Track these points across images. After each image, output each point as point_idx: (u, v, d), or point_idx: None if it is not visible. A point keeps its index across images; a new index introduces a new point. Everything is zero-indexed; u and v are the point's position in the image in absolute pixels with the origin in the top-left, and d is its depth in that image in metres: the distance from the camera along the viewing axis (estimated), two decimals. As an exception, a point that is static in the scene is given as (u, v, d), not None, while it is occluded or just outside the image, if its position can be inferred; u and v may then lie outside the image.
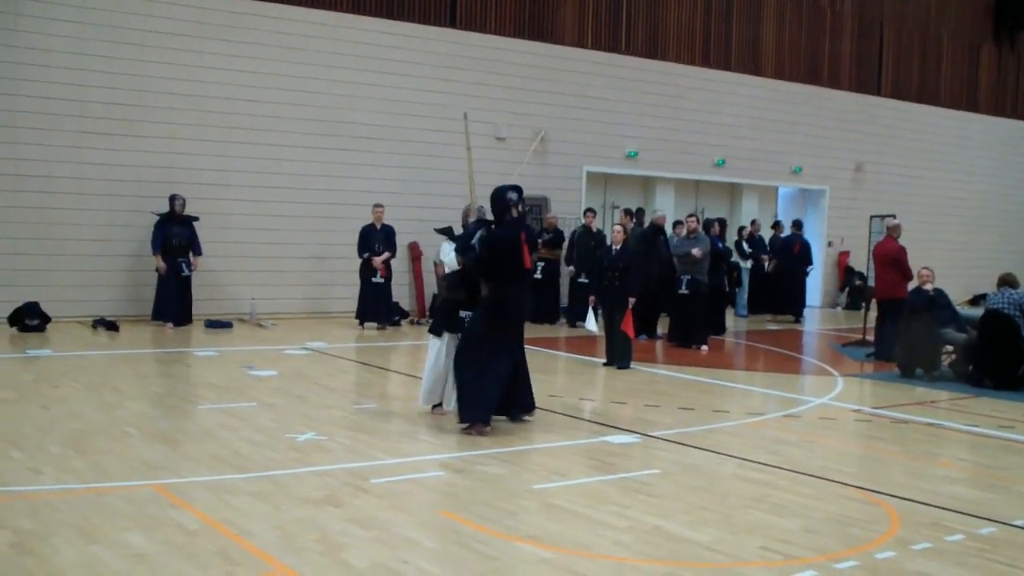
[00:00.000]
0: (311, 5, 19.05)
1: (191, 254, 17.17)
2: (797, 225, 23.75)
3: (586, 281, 19.34)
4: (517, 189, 9.81)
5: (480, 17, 21.07)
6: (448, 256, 9.87)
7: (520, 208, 9.79)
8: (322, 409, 10.40)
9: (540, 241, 19.33)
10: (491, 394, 9.41)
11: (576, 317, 19.46)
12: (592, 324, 14.60)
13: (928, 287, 14.37)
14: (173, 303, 16.88)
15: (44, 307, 15.78)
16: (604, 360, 14.41)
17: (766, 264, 23.14)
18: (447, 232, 10.23)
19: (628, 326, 13.95)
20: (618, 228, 14.71)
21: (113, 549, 5.82)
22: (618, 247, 14.32)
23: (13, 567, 5.50)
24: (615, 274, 14.07)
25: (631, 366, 14.05)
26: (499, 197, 9.74)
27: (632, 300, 14.03)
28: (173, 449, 8.36)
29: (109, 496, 6.92)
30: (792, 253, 23.07)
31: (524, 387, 9.98)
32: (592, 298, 14.60)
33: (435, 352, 10.00)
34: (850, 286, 26.63)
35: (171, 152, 17.71)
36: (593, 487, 7.59)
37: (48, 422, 9.25)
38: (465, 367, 9.45)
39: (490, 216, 10.04)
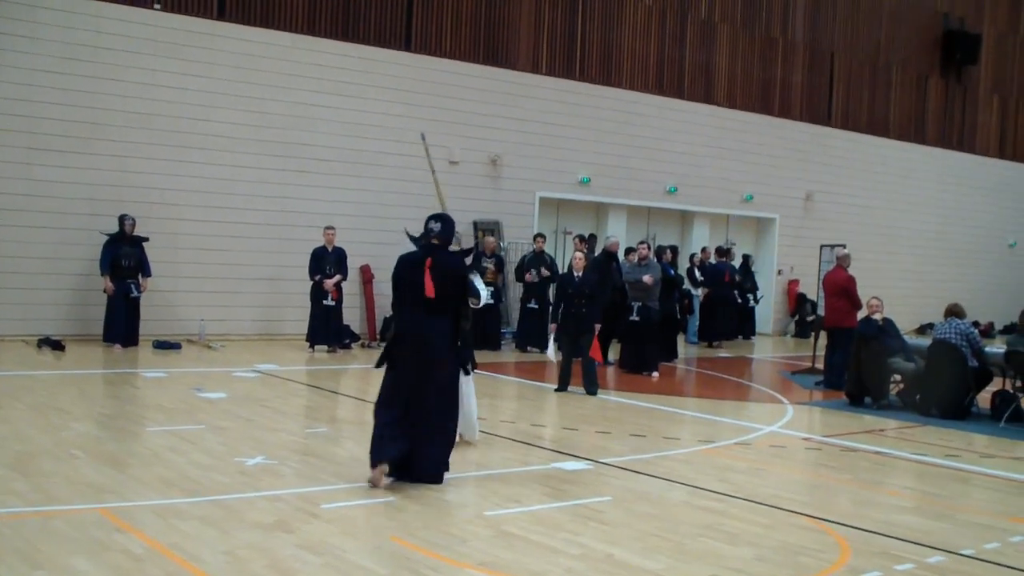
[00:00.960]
0: (267, 25, 18.97)
1: (140, 275, 16.98)
2: (720, 252, 23.94)
3: (535, 306, 19.39)
4: (442, 219, 8.76)
5: (436, 41, 21.09)
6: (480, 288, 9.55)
7: (441, 238, 8.69)
8: (272, 432, 10.30)
9: (487, 268, 19.30)
10: (377, 437, 8.28)
11: (527, 341, 19.47)
12: (552, 352, 14.54)
13: (877, 316, 14.51)
14: (121, 325, 16.68)
15: (-11, 326, 15.55)
16: (556, 386, 14.37)
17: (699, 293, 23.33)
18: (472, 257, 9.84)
19: (596, 352, 14.03)
20: (579, 255, 14.73)
21: (57, 574, 5.72)
22: (579, 274, 14.32)
23: (-46, 592, 5.39)
24: (580, 300, 14.05)
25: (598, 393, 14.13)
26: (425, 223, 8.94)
27: (598, 326, 14.08)
28: (120, 472, 8.24)
29: (54, 520, 6.80)
30: (722, 280, 23.20)
31: (425, 447, 8.31)
32: (553, 325, 14.50)
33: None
34: (800, 315, 26.84)
35: (123, 171, 17.54)
36: (546, 514, 7.56)
37: (-7, 443, 9.09)
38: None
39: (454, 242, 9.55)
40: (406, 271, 8.54)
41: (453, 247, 9.02)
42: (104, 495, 7.47)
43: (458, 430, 8.92)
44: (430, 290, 8.35)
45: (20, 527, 6.59)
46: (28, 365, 14.28)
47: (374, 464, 8.09)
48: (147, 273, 17.05)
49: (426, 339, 8.38)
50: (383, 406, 8.34)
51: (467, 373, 9.12)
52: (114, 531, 6.59)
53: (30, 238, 16.77)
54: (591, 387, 14.04)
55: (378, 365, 8.47)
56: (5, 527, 6.57)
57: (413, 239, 8.78)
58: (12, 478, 7.83)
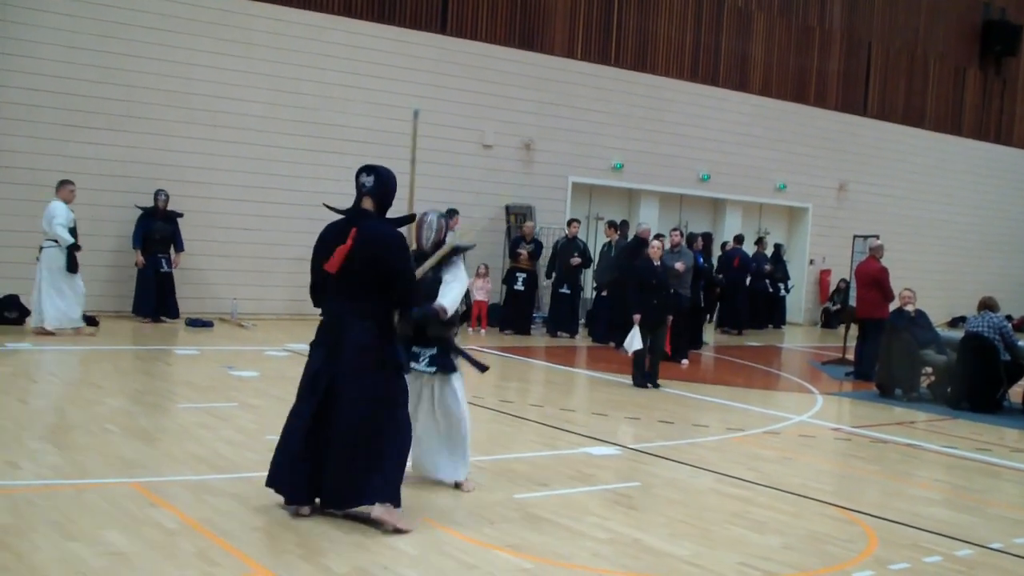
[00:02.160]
0: (303, 6, 19.02)
1: (172, 250, 17.14)
2: (737, 240, 23.81)
3: (567, 291, 19.38)
4: (376, 172, 7.17)
5: (471, 23, 21.09)
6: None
7: (375, 199, 7.10)
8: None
9: (520, 252, 19.31)
10: (277, 459, 6.82)
11: (557, 326, 19.48)
12: (638, 343, 13.59)
13: (909, 308, 14.45)
14: (152, 299, 16.87)
15: (23, 300, 15.67)
16: (632, 381, 13.78)
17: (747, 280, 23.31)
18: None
19: (667, 344, 14.00)
20: (657, 244, 14.33)
21: (92, 547, 5.79)
22: (658, 264, 13.97)
23: (-9, 562, 5.47)
24: (661, 291, 13.75)
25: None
26: (356, 177, 7.20)
27: (671, 318, 13.98)
28: (152, 447, 8.32)
29: (88, 493, 6.88)
30: (732, 267, 23.08)
31: (347, 464, 6.55)
32: (637, 316, 13.55)
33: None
34: (826, 307, 26.76)
35: (158, 148, 17.65)
36: (574, 498, 7.59)
37: (26, 416, 9.19)
38: None
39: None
40: (327, 244, 6.85)
41: (427, 235, 7.70)
42: (137, 470, 7.55)
43: (408, 460, 6.94)
44: (334, 264, 6.67)
45: (55, 499, 6.68)
46: (63, 340, 14.40)
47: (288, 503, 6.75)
48: (180, 248, 17.18)
49: (341, 334, 6.70)
50: (293, 414, 6.79)
51: (401, 373, 6.88)
52: (147, 505, 6.66)
53: (66, 214, 16.89)
54: (654, 378, 13.69)
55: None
56: (40, 499, 6.66)
57: (336, 210, 7.13)
58: (47, 451, 7.93)
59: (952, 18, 30.27)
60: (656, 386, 13.63)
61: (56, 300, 14.87)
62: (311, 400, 6.64)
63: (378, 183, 6.98)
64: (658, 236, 19.44)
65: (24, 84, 16.49)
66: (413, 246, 7.59)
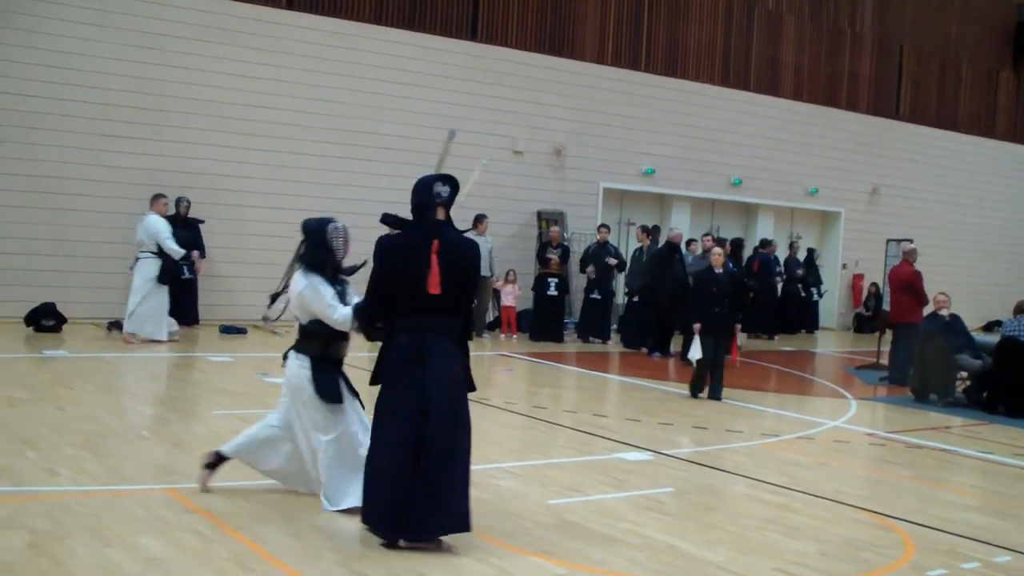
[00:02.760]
0: (334, 14, 19.11)
1: (195, 256, 17.21)
2: (763, 244, 23.63)
3: (598, 297, 19.35)
4: (450, 181, 6.60)
5: (501, 30, 21.13)
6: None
7: (448, 210, 6.61)
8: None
9: (550, 257, 19.29)
10: (371, 493, 6.33)
11: (589, 332, 19.45)
12: (697, 352, 13.32)
13: (944, 312, 14.35)
14: (172, 305, 16.94)
15: (60, 308, 15.81)
16: (689, 392, 13.34)
17: (778, 285, 23.20)
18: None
19: (734, 354, 13.44)
20: (719, 252, 13.63)
21: (128, 552, 5.83)
22: (719, 271, 13.34)
23: (30, 567, 5.51)
24: (725, 300, 13.16)
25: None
26: (422, 188, 6.60)
27: (738, 327, 13.63)
28: (187, 453, 8.35)
29: (124, 499, 6.92)
30: (751, 271, 22.92)
31: (437, 491, 6.21)
32: (697, 325, 13.09)
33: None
34: (859, 312, 26.60)
35: (186, 156, 17.77)
36: (608, 504, 7.58)
37: (63, 423, 9.26)
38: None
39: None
40: (407, 259, 6.38)
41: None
42: (171, 476, 7.59)
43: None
44: (435, 285, 6.28)
45: (91, 505, 6.73)
46: (98, 347, 14.52)
47: (391, 541, 6.28)
48: (202, 254, 17.26)
49: (427, 355, 6.33)
50: (385, 445, 6.32)
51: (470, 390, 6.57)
52: (182, 511, 6.69)
53: (99, 223, 17.04)
54: (717, 391, 13.12)
55: (373, 382, 6.57)
56: (77, 505, 6.71)
57: (398, 221, 6.65)
58: (83, 457, 7.99)
59: (984, 20, 30.07)
60: (716, 399, 13.03)
61: (149, 310, 15.23)
62: (406, 427, 6.24)
63: (454, 194, 6.58)
64: (690, 241, 19.46)
65: (54, 94, 16.65)
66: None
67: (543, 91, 21.54)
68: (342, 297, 7.08)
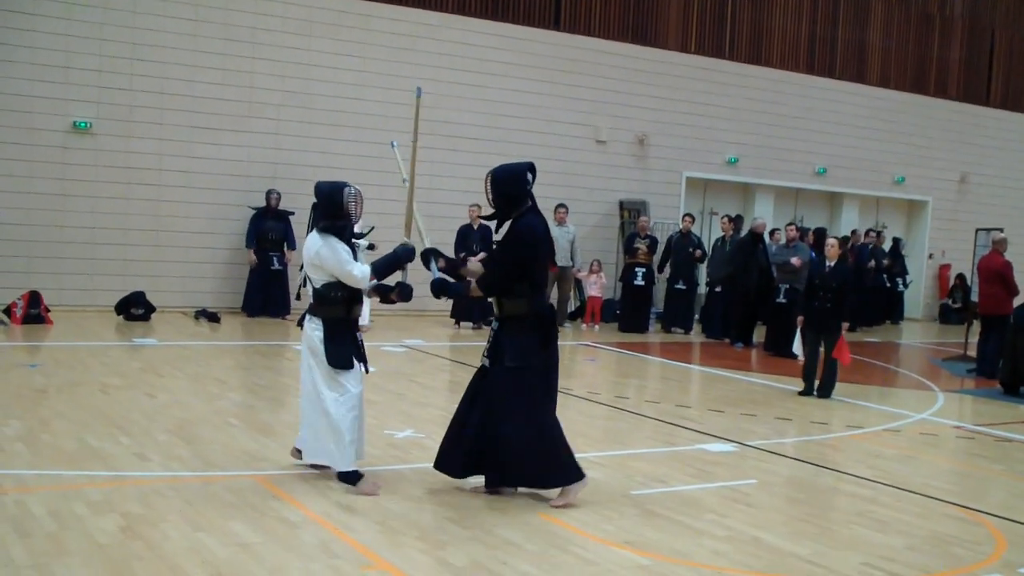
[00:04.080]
0: (419, 5, 19.22)
1: (285, 248, 17.45)
2: (844, 241, 23.10)
3: (683, 287, 19.26)
4: (535, 170, 7.42)
5: (584, 19, 21.08)
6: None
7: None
8: (420, 407, 10.50)
9: (637, 247, 19.21)
10: (566, 458, 7.19)
11: (672, 322, 19.38)
12: (797, 347, 13.30)
13: (1037, 303, 14.06)
14: (259, 296, 17.24)
15: (149, 297, 16.13)
16: (800, 389, 12.89)
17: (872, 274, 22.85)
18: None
19: (842, 353, 12.45)
20: (832, 243, 12.93)
21: (218, 537, 5.95)
22: (832, 263, 12.69)
23: (123, 550, 5.64)
24: (827, 295, 12.55)
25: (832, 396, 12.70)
26: (520, 177, 7.29)
27: (846, 325, 12.58)
28: (274, 441, 8.48)
29: (213, 485, 7.05)
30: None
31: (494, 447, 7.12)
32: (800, 319, 12.97)
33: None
34: (946, 303, 26.12)
35: (276, 148, 18.01)
36: (691, 495, 7.56)
37: (154, 410, 9.46)
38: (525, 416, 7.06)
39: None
40: (547, 244, 7.31)
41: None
42: (259, 463, 7.72)
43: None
44: (553, 265, 7.37)
45: (183, 490, 6.87)
46: (186, 336, 14.79)
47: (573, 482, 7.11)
48: (292, 246, 17.48)
49: (553, 335, 7.26)
50: (547, 412, 7.19)
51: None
52: (270, 498, 6.80)
53: (188, 213, 17.34)
54: (824, 390, 12.62)
55: (528, 363, 7.03)
56: (169, 490, 6.85)
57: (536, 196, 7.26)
58: (175, 444, 8.15)
59: (1080, 4, 29.32)
60: (824, 396, 12.59)
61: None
62: (554, 395, 7.28)
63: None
64: (774, 231, 19.27)
65: (151, 88, 16.96)
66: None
67: (626, 80, 21.45)
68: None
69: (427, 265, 7.53)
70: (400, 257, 7.49)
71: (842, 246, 13.28)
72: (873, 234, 23.51)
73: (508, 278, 7.06)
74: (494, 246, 7.52)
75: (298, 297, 8.35)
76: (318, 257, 7.23)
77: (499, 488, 7.22)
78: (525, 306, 7.09)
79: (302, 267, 7.58)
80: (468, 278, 7.46)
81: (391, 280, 7.55)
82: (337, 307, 7.31)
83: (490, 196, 7.28)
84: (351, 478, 7.14)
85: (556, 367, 7.29)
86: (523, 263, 7.06)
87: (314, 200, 7.56)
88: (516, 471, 7.10)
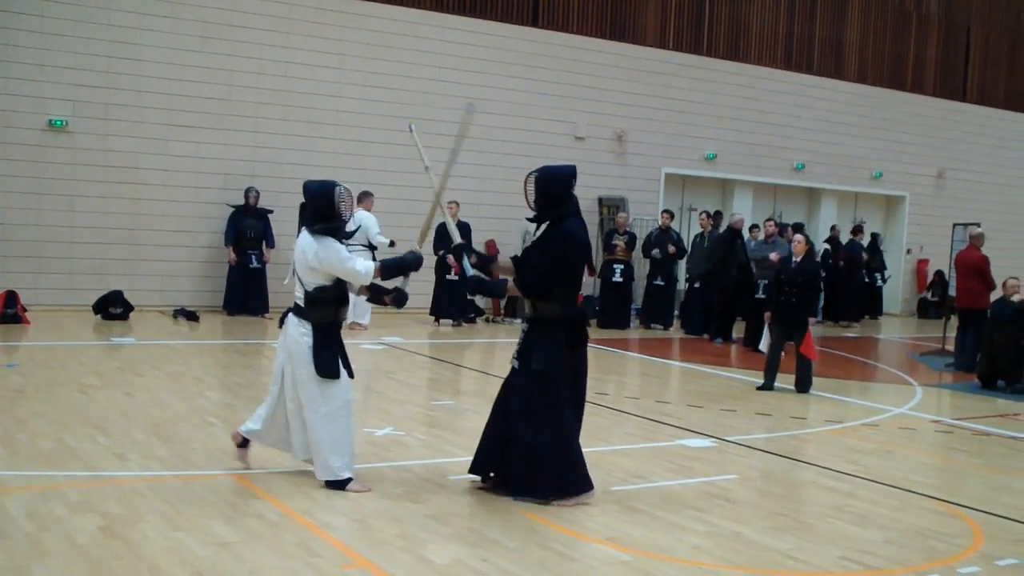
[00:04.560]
0: (396, 3, 19.18)
1: (264, 246, 17.42)
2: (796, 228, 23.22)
3: (662, 283, 19.31)
4: (575, 172, 7.43)
5: (562, 16, 21.09)
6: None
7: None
8: (399, 404, 10.49)
9: (616, 243, 19.25)
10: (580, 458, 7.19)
11: (652, 319, 19.42)
12: (764, 342, 13.42)
13: (1016, 298, 14.13)
14: (239, 294, 17.21)
15: (127, 296, 16.07)
16: (760, 383, 12.91)
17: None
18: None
19: (809, 348, 12.45)
20: (800, 239, 13.04)
21: (198, 537, 5.93)
22: (799, 259, 12.80)
23: (102, 551, 5.61)
24: (793, 289, 12.61)
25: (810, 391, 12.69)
26: (566, 180, 7.29)
27: (812, 320, 12.66)
28: (253, 440, 8.44)
29: (192, 484, 7.03)
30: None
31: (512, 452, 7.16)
32: (768, 314, 13.14)
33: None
34: (924, 297, 26.25)
35: (255, 146, 17.97)
36: (672, 490, 7.57)
37: (133, 409, 9.42)
38: (549, 422, 7.06)
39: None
40: (588, 247, 7.49)
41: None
42: (239, 462, 7.67)
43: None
44: (592, 269, 7.55)
45: (161, 490, 6.84)
46: (165, 335, 14.74)
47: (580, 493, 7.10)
48: (271, 244, 17.45)
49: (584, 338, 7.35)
50: (572, 420, 7.21)
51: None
52: (250, 497, 6.79)
53: (167, 211, 17.28)
54: (801, 384, 12.64)
55: (555, 367, 7.04)
56: (147, 489, 6.83)
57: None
58: (153, 443, 8.12)
59: (1056, -1, 29.49)
60: (803, 391, 12.58)
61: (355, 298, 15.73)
62: (580, 403, 7.36)
63: None
64: (752, 227, 19.32)
65: (129, 86, 16.91)
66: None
67: (604, 76, 21.47)
68: None
69: (459, 261, 7.60)
70: (409, 264, 7.38)
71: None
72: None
73: (549, 280, 7.06)
74: (523, 246, 7.65)
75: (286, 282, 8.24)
76: (316, 259, 7.08)
77: (500, 491, 7.15)
78: (558, 309, 7.09)
79: (292, 266, 7.44)
80: (500, 275, 7.54)
81: (390, 284, 7.46)
82: (328, 309, 7.22)
83: (532, 197, 7.22)
84: (342, 485, 7.07)
85: (584, 373, 7.28)
86: (564, 266, 7.09)
87: (302, 200, 7.41)
88: (524, 480, 7.04)
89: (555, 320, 7.07)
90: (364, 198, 16.43)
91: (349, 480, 7.10)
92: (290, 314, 7.33)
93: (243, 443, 7.53)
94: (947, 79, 27.36)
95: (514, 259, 7.45)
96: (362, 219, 15.82)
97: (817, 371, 12.76)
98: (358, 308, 15.81)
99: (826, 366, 16.30)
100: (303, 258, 7.17)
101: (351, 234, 7.65)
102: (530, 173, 7.26)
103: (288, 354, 7.21)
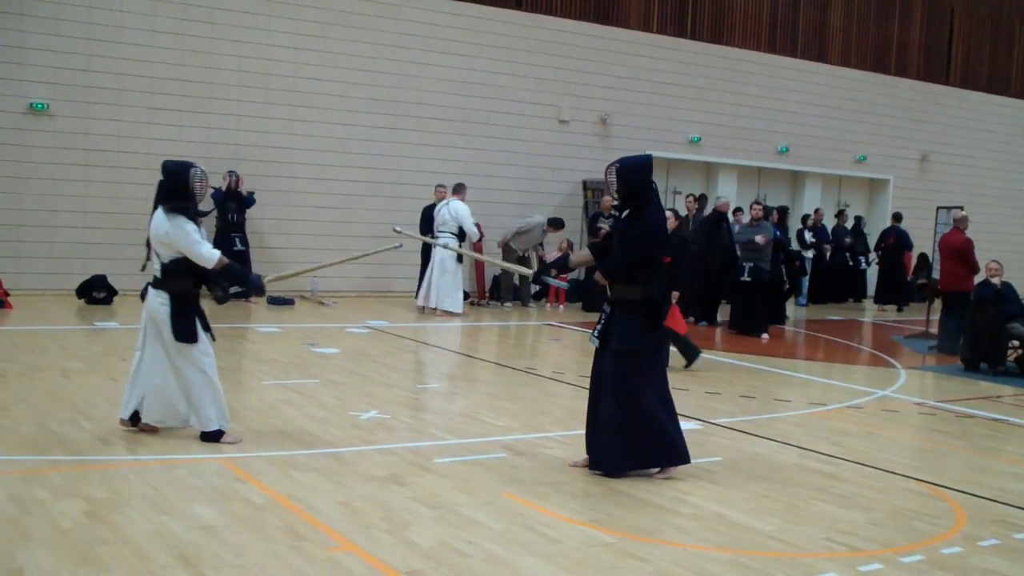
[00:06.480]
0: (378, -15, 19.14)
1: (246, 229, 17.49)
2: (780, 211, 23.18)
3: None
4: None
5: (546, -1, 21.07)
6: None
7: None
8: (384, 388, 10.47)
9: (600, 227, 19.24)
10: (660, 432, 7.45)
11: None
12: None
13: (996, 281, 14.18)
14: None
15: (111, 280, 16.00)
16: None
17: (827, 254, 23.07)
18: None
19: (675, 322, 11.83)
20: (668, 214, 12.06)
21: (183, 521, 5.92)
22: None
23: (88, 534, 5.60)
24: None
25: (699, 357, 12.73)
26: (646, 169, 7.57)
27: (676, 295, 11.86)
28: (238, 423, 8.42)
29: (177, 468, 7.02)
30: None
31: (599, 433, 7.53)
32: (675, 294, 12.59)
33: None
34: (911, 281, 26.31)
35: (237, 129, 17.90)
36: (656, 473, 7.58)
37: (116, 394, 9.34)
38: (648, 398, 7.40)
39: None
40: (666, 236, 8.07)
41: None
42: (224, 446, 7.67)
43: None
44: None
45: (146, 474, 6.83)
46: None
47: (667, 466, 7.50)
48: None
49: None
50: (652, 395, 7.46)
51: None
52: (234, 480, 6.78)
53: (149, 195, 16.83)
54: (689, 360, 12.68)
55: (633, 346, 7.37)
56: (132, 474, 6.81)
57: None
58: (137, 427, 8.09)
59: (1039, -18, 29.55)
60: (687, 366, 12.63)
61: (450, 286, 16.86)
62: (661, 376, 7.63)
63: None
64: (737, 210, 19.33)
65: (108, 68, 16.82)
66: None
67: (588, 60, 21.44)
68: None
69: (546, 285, 8.41)
70: (249, 282, 8.22)
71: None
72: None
73: (632, 265, 7.42)
74: (602, 231, 8.05)
75: (143, 269, 8.64)
76: (167, 236, 7.64)
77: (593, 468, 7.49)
78: (639, 293, 7.43)
79: (148, 241, 7.97)
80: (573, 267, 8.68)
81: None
82: (184, 280, 7.74)
83: (615, 187, 7.51)
84: (217, 436, 7.65)
85: (664, 350, 7.88)
86: (647, 254, 7.44)
87: (160, 178, 7.94)
88: (598, 453, 7.44)
89: (635, 303, 7.42)
90: (459, 189, 17.27)
91: (221, 432, 7.69)
92: (149, 286, 7.83)
93: (134, 421, 7.86)
94: (931, 62, 27.41)
95: (591, 247, 8.02)
96: (457, 209, 16.90)
97: (801, 353, 12.77)
98: (447, 296, 16.74)
99: (810, 349, 16.37)
100: (157, 233, 7.76)
101: (206, 213, 8.27)
102: (610, 164, 7.57)
103: (151, 322, 7.73)
